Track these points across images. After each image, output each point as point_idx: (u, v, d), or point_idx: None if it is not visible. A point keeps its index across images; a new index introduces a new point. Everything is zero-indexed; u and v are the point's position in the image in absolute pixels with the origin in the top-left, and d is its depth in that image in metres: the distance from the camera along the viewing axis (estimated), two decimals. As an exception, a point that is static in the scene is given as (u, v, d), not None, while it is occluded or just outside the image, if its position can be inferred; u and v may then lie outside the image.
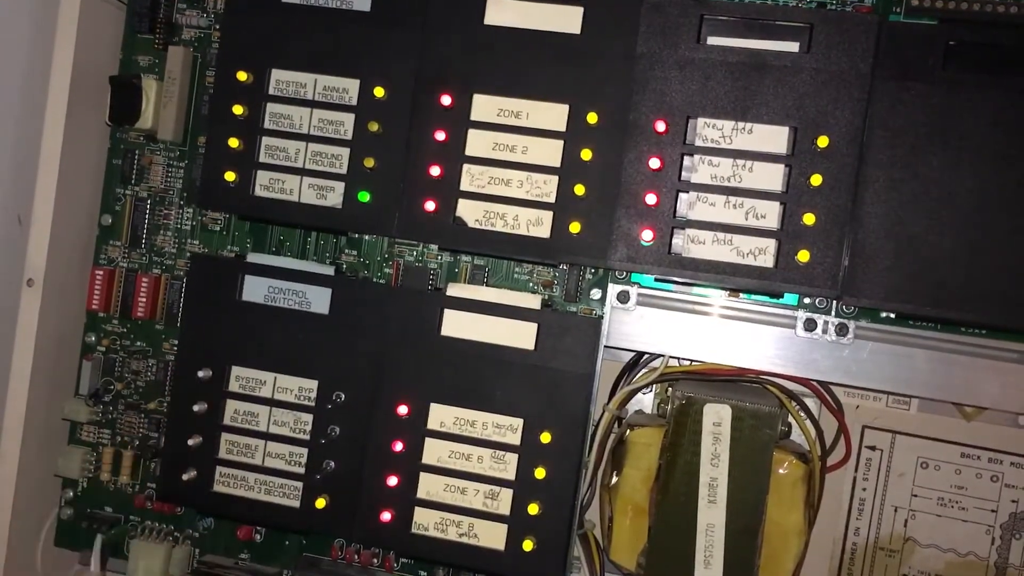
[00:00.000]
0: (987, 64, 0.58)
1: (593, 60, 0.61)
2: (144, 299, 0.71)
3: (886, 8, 0.62)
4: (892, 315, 0.63)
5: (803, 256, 0.59)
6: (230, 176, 0.65)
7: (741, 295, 0.65)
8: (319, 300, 0.65)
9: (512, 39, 0.62)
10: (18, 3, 0.74)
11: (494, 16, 0.63)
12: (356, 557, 0.70)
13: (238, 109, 0.65)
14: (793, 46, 0.60)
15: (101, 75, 0.70)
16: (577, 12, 0.61)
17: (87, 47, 0.68)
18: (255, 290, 0.66)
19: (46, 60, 0.68)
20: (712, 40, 0.60)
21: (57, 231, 0.69)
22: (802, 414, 0.65)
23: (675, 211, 0.61)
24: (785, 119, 0.60)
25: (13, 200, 0.74)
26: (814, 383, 0.65)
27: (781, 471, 0.62)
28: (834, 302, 0.63)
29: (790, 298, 0.64)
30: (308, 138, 0.64)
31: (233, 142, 0.65)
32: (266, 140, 0.65)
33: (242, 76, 0.65)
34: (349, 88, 0.64)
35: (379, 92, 0.63)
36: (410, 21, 0.63)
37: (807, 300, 0.63)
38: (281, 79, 0.65)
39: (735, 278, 0.60)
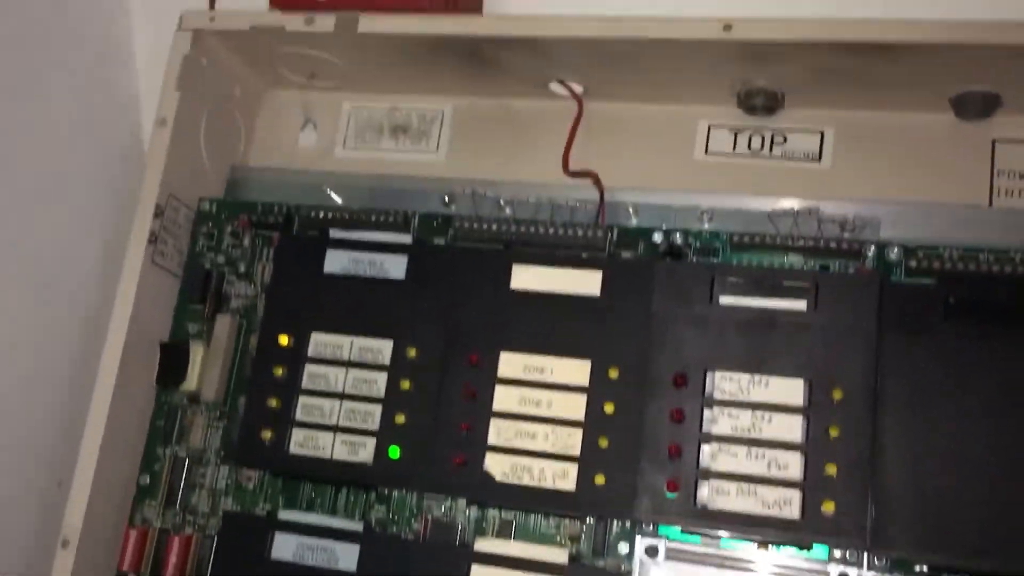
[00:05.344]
0: (987, 318, 0.61)
1: (613, 319, 0.65)
2: (175, 559, 0.71)
3: (886, 268, 0.66)
4: (926, 568, 0.62)
5: (828, 507, 0.59)
6: (267, 435, 0.68)
7: (771, 546, 0.64)
8: (347, 558, 0.65)
9: (536, 302, 0.66)
10: (82, 269, 0.81)
11: (519, 281, 0.67)
12: None
13: (278, 371, 0.69)
14: (801, 304, 0.63)
15: (152, 340, 0.74)
16: (596, 275, 0.66)
17: (142, 314, 0.73)
18: (285, 548, 0.66)
19: (102, 327, 0.73)
20: (724, 299, 0.64)
21: (96, 494, 0.71)
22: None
23: (698, 462, 0.62)
24: (799, 372, 0.62)
25: (56, 463, 0.77)
26: (853, 642, 0.62)
27: None
28: (865, 554, 0.62)
29: (820, 549, 0.63)
30: (343, 396, 0.68)
31: (273, 402, 0.68)
32: (303, 399, 0.69)
33: (284, 340, 0.69)
34: (383, 349, 0.68)
35: (411, 352, 0.67)
36: (441, 288, 0.68)
37: (837, 552, 0.63)
38: (320, 341, 0.69)
39: (762, 529, 0.60)
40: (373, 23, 0.71)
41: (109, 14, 0.86)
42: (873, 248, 0.65)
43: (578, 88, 0.76)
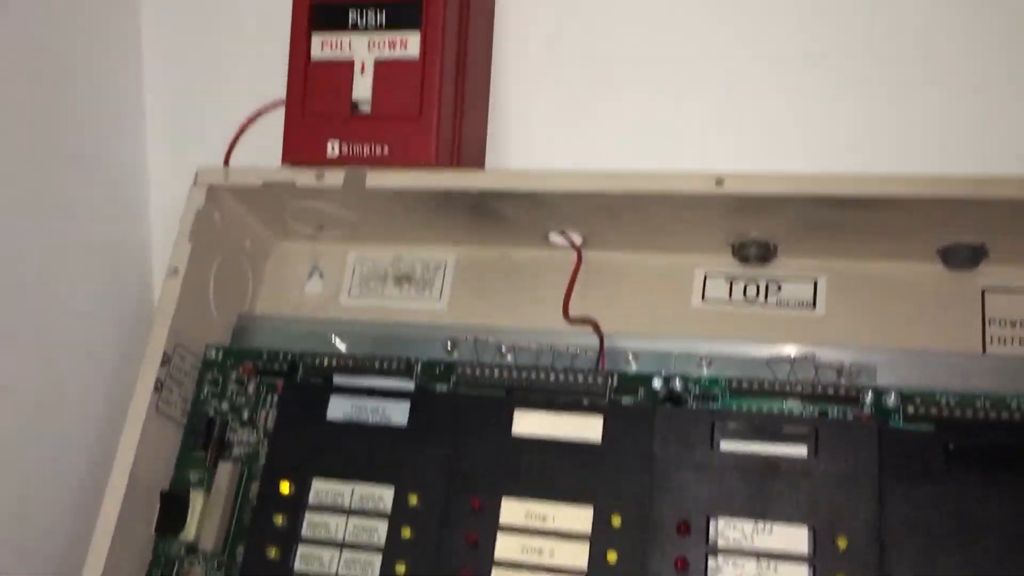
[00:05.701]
0: (988, 464, 0.61)
1: (614, 464, 0.65)
2: None
3: (884, 414, 0.67)
4: None
5: (839, 660, 0.58)
6: (264, 588, 0.67)
7: None
8: None
9: (538, 447, 0.67)
10: (86, 415, 0.81)
11: (521, 427, 0.68)
12: None
13: (278, 519, 0.68)
14: (801, 450, 0.64)
15: (153, 488, 0.73)
16: (597, 421, 0.66)
17: (144, 462, 0.73)
18: None
19: (103, 474, 0.72)
20: (725, 445, 0.65)
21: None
22: None
23: (704, 613, 0.61)
24: (803, 519, 0.62)
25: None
26: None
27: None
28: None
29: None
30: (343, 545, 0.67)
31: (272, 552, 0.68)
32: (302, 549, 0.68)
33: (285, 488, 0.69)
34: (384, 495, 0.68)
35: (413, 499, 0.67)
36: (444, 433, 0.69)
37: None
38: (321, 489, 0.69)
39: None
40: (381, 178, 0.74)
41: (127, 168, 0.89)
42: (871, 394, 0.66)
43: (577, 238, 0.79)
